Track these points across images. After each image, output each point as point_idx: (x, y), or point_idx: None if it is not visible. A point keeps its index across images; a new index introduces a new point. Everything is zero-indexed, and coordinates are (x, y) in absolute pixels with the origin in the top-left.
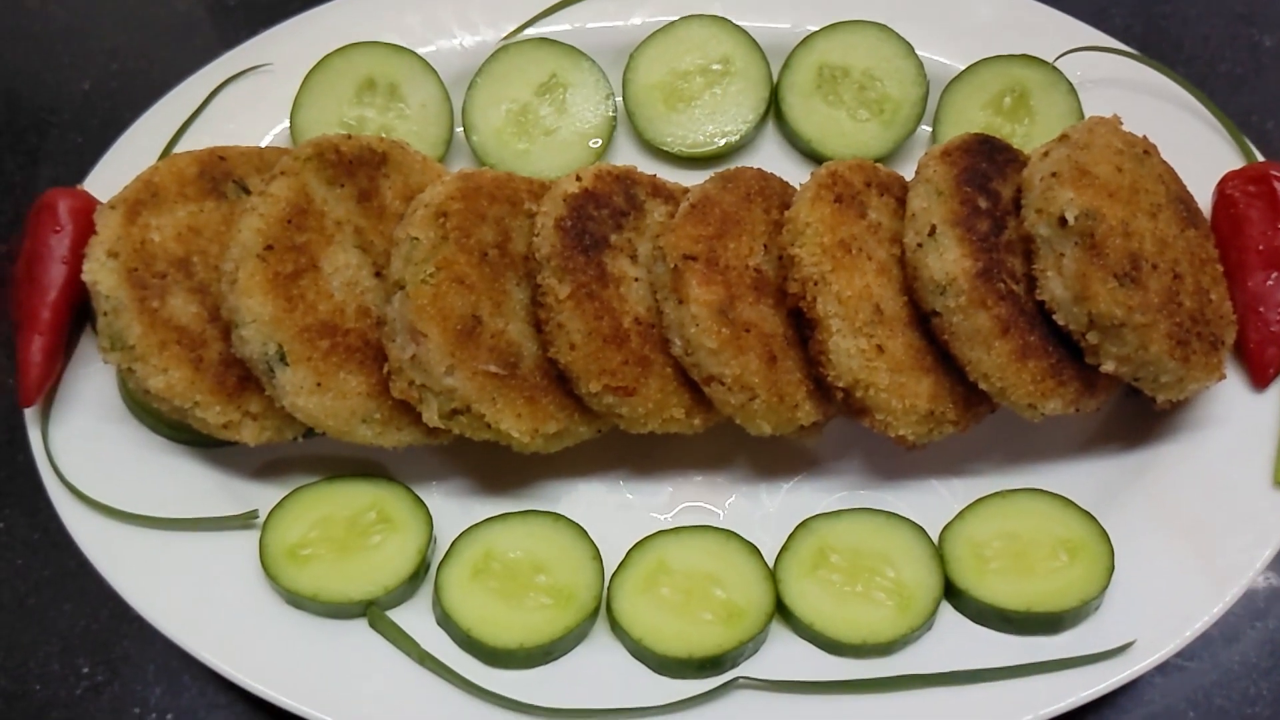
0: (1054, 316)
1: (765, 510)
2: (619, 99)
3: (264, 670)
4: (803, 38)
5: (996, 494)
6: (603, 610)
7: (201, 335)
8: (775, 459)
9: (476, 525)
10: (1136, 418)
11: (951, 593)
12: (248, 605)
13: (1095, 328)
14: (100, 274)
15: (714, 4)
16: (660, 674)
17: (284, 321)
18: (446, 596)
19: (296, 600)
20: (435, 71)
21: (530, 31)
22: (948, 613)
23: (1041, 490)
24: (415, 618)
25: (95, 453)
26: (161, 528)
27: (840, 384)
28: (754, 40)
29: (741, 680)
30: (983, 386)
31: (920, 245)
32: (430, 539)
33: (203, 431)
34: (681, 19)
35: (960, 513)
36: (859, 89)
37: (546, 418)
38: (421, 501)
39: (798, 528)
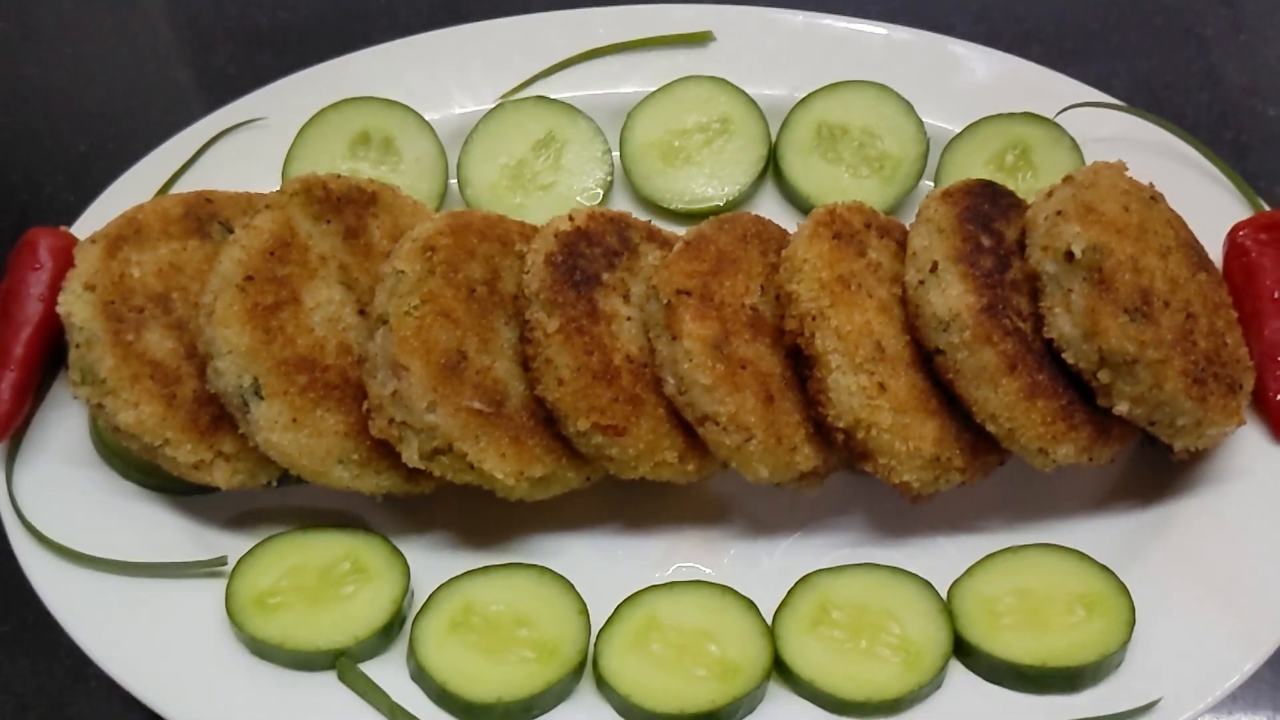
0: (1063, 355)
1: (763, 567)
2: (616, 154)
3: None
4: (801, 98)
5: (1008, 549)
6: (589, 668)
7: (176, 371)
8: (773, 515)
9: (457, 578)
10: (1153, 472)
11: (963, 650)
12: (211, 656)
13: (1106, 365)
14: (75, 305)
15: (711, 69)
16: None
17: (261, 353)
18: (421, 649)
19: (263, 650)
20: (430, 126)
21: (529, 91)
22: (959, 671)
23: (1055, 545)
24: (389, 672)
25: (61, 497)
26: (125, 573)
27: (840, 424)
28: (752, 100)
29: None
30: (990, 429)
31: (922, 282)
32: (406, 590)
33: (173, 473)
34: (680, 79)
35: (969, 569)
36: (858, 146)
37: (533, 460)
38: (399, 552)
39: (797, 583)
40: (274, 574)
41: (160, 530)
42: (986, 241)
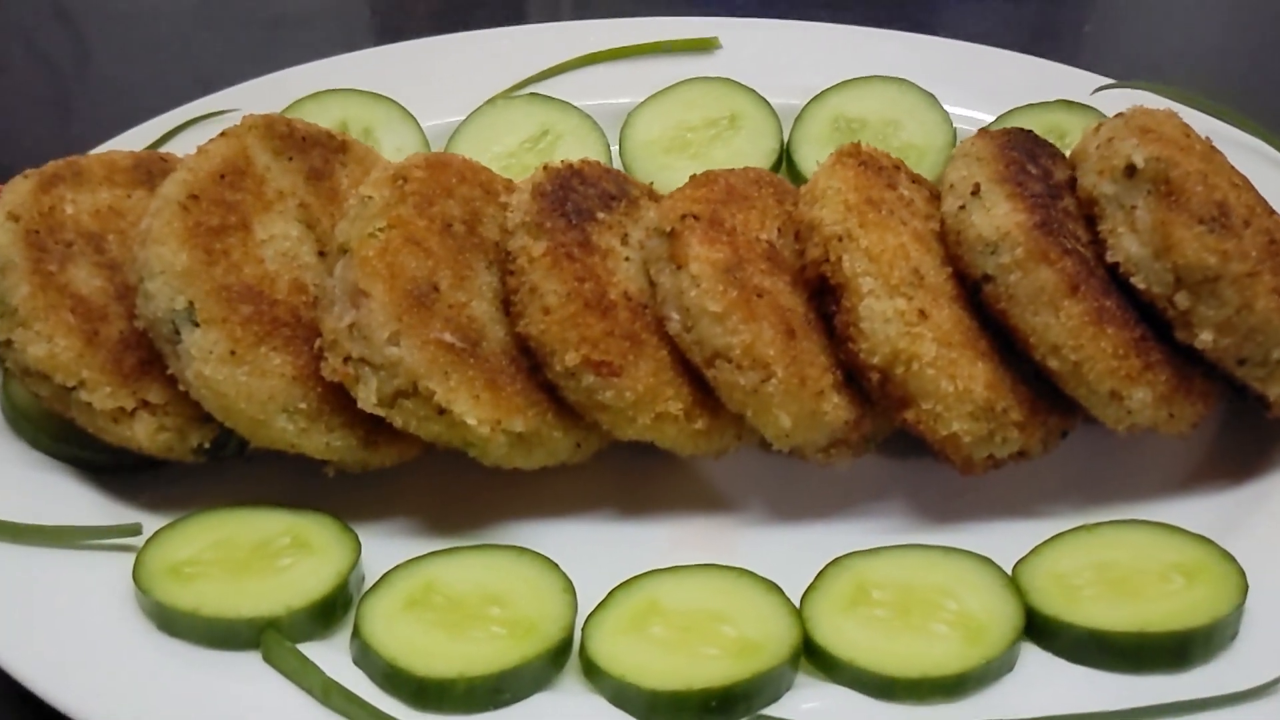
0: (1132, 282)
1: (785, 556)
2: (615, 149)
3: (118, 714)
4: (815, 95)
5: (1080, 528)
6: (574, 657)
7: (102, 310)
8: (796, 500)
9: (418, 558)
10: (1243, 447)
11: (1037, 630)
12: (110, 634)
13: (1184, 286)
14: None
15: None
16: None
17: (199, 275)
18: (367, 626)
19: (173, 622)
20: (414, 118)
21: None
22: (1033, 653)
23: (1137, 520)
24: (326, 658)
25: None
26: (15, 539)
27: (875, 360)
28: (763, 98)
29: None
30: (1052, 366)
31: (963, 207)
32: (354, 565)
33: (87, 429)
34: (685, 81)
35: (1035, 548)
36: (880, 139)
37: (513, 410)
38: (350, 530)
39: (828, 565)
40: (196, 545)
41: (69, 504)
42: (1032, 170)
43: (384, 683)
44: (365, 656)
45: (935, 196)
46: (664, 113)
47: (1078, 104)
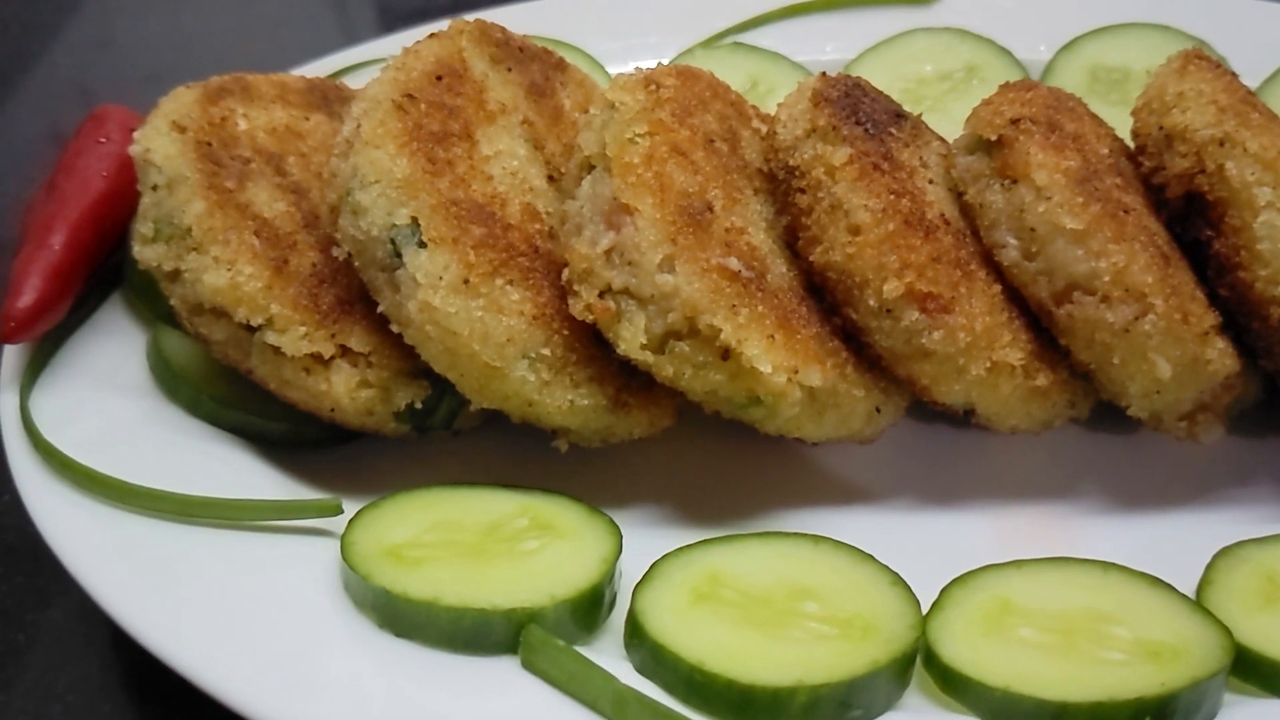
0: None
1: (1137, 548)
2: None
3: None
4: (1065, 44)
5: None
6: (920, 662)
7: (291, 238)
8: (1139, 481)
9: (688, 547)
10: None
11: None
12: (315, 638)
13: None
14: (156, 141)
15: None
16: None
17: (424, 186)
18: (655, 623)
19: (401, 617)
20: (604, 70)
21: None
22: None
23: None
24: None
25: (96, 428)
26: (185, 517)
27: (1278, 292)
28: (1002, 47)
29: None
30: None
31: None
32: (619, 549)
33: (269, 383)
34: (906, 32)
35: None
36: None
37: (810, 359)
38: (600, 511)
39: (1216, 557)
40: (414, 527)
41: (239, 481)
42: None
43: (689, 694)
44: (659, 660)
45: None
46: (887, 65)
47: None
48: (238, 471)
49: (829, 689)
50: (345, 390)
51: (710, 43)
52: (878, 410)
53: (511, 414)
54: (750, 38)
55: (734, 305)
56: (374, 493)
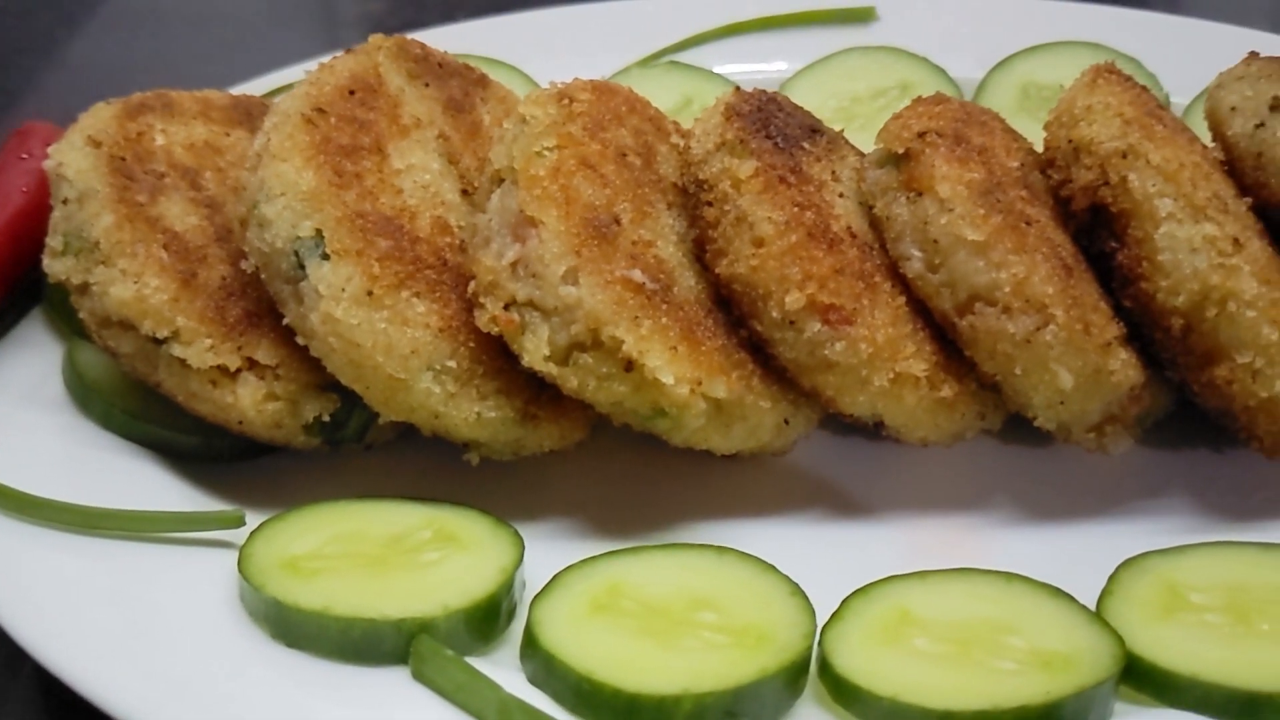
0: None
1: (1047, 560)
2: None
3: None
4: (998, 62)
5: None
6: (813, 672)
7: (201, 252)
8: (1051, 493)
9: (593, 559)
10: None
11: None
12: (209, 649)
13: None
14: (70, 156)
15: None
16: None
17: (328, 197)
18: (549, 633)
19: (292, 627)
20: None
21: None
22: None
23: None
24: (493, 676)
25: (8, 442)
26: (87, 529)
27: (1178, 302)
28: (937, 66)
29: None
30: None
31: (1261, 125)
32: (520, 560)
33: (177, 396)
34: (843, 51)
35: None
36: None
37: (714, 370)
38: (506, 523)
39: (1120, 568)
40: (316, 539)
41: (149, 495)
42: None
43: (578, 703)
44: (550, 670)
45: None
46: (823, 82)
47: None
48: (146, 485)
49: (713, 697)
50: (252, 403)
51: (648, 62)
52: (786, 422)
53: (421, 426)
54: (690, 56)
55: (637, 317)
56: (285, 507)
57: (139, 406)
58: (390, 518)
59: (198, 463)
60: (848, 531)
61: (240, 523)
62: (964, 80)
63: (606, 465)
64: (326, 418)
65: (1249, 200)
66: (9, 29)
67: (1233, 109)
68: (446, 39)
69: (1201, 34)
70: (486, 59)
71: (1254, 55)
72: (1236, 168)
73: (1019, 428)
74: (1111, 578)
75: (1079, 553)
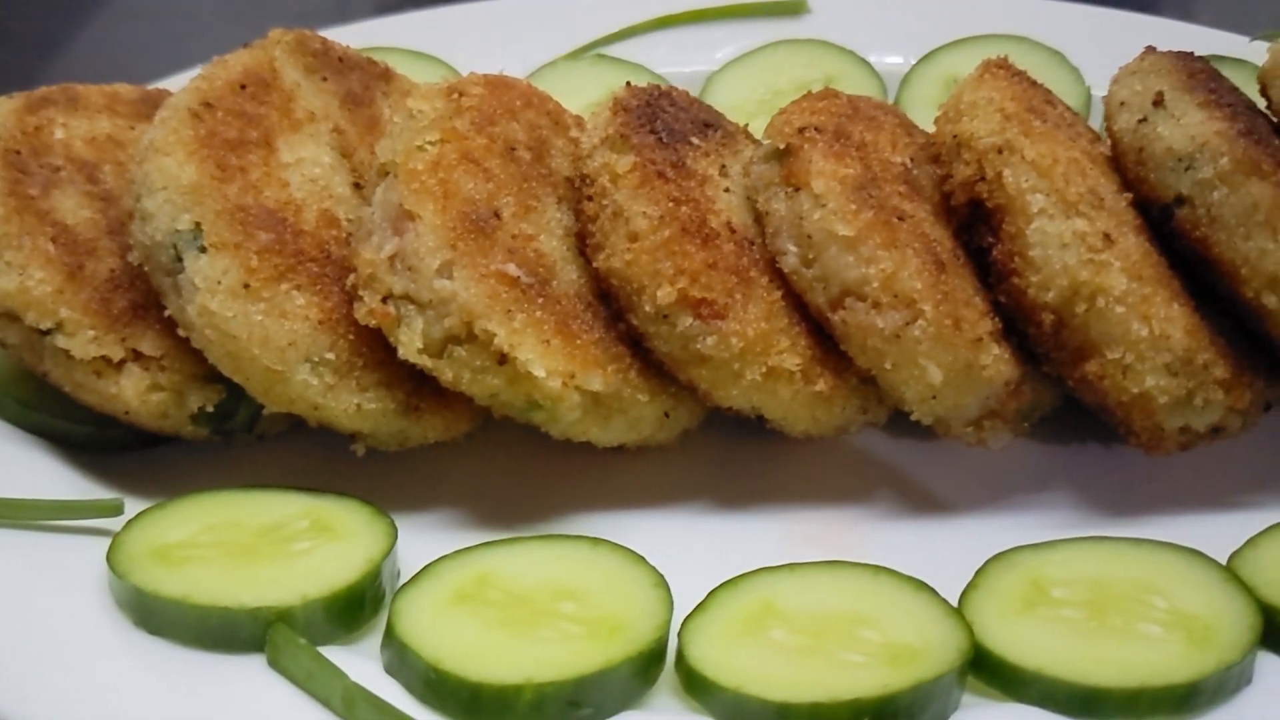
0: None
1: (924, 556)
2: None
3: None
4: (924, 55)
5: None
6: (670, 666)
7: (92, 245)
8: (933, 486)
9: (468, 549)
10: None
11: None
12: (75, 634)
13: None
14: None
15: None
16: None
17: (208, 192)
18: (404, 622)
19: (153, 614)
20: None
21: None
22: (1272, 664)
23: None
24: (354, 665)
25: None
26: None
27: (1048, 298)
28: (863, 59)
29: None
30: (1268, 304)
31: (1143, 120)
32: (389, 551)
33: (64, 386)
34: (770, 44)
35: (1252, 539)
36: None
37: (589, 364)
38: (384, 514)
39: (989, 563)
40: (191, 527)
41: (37, 484)
42: (1226, 84)
43: (426, 693)
44: (402, 660)
45: (1095, 137)
46: (748, 76)
47: (1229, 58)
48: (36, 474)
49: (554, 687)
50: (135, 394)
51: (577, 54)
52: (667, 415)
53: (305, 418)
54: (620, 49)
55: (510, 311)
56: (175, 487)
57: (31, 395)
58: (269, 507)
59: (92, 452)
60: (729, 523)
61: (118, 511)
62: (893, 73)
63: (499, 457)
64: (211, 408)
65: (1129, 196)
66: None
67: (1121, 104)
68: (373, 33)
69: (1135, 27)
70: (412, 52)
71: (1150, 49)
72: (1121, 163)
73: (907, 421)
74: (979, 571)
75: (957, 546)
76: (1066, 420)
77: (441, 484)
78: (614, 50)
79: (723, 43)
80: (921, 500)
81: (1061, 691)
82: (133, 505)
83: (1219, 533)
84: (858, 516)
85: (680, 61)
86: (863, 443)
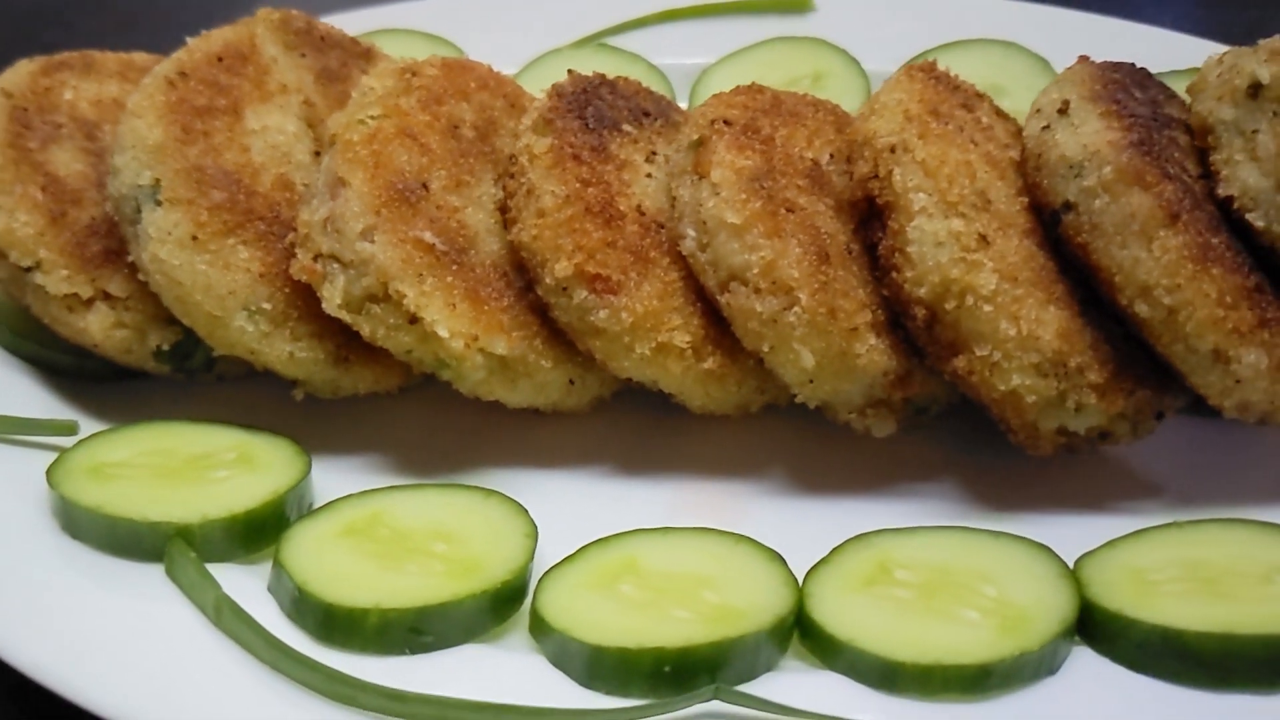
0: (1249, 219)
1: (798, 532)
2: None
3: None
4: (911, 58)
5: (1169, 524)
6: (527, 610)
7: (78, 194)
8: (824, 470)
9: (372, 490)
10: None
11: (1095, 630)
12: (8, 533)
13: None
14: None
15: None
16: (588, 686)
17: (169, 151)
18: (288, 547)
19: (75, 521)
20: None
21: None
22: (1086, 657)
23: (1244, 520)
24: (242, 582)
25: None
26: None
27: (922, 293)
28: (852, 57)
29: (719, 692)
30: (1141, 313)
31: (1047, 127)
32: (296, 485)
33: (42, 318)
34: (766, 40)
35: (1111, 541)
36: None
37: (494, 329)
38: (305, 453)
39: (848, 541)
40: (130, 450)
41: (14, 402)
42: (1136, 95)
43: (292, 610)
44: (279, 579)
45: (1020, 134)
46: (741, 71)
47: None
48: (15, 397)
49: (398, 614)
50: (101, 328)
51: (582, 44)
52: (572, 382)
53: (249, 361)
54: (626, 41)
55: (422, 274)
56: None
57: (22, 326)
58: (204, 439)
59: (72, 380)
60: (624, 488)
61: (73, 431)
62: (880, 73)
63: (427, 412)
64: (168, 347)
65: (1025, 201)
66: None
67: (1037, 110)
68: (390, 17)
69: (1112, 32)
70: (427, 35)
71: (1083, 59)
72: (1025, 168)
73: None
74: (835, 549)
75: (831, 526)
76: (967, 418)
77: (372, 432)
78: (619, 41)
79: (726, 37)
80: (811, 481)
81: (865, 663)
82: (97, 426)
83: (1097, 535)
84: (745, 491)
85: (683, 54)
86: (767, 424)
